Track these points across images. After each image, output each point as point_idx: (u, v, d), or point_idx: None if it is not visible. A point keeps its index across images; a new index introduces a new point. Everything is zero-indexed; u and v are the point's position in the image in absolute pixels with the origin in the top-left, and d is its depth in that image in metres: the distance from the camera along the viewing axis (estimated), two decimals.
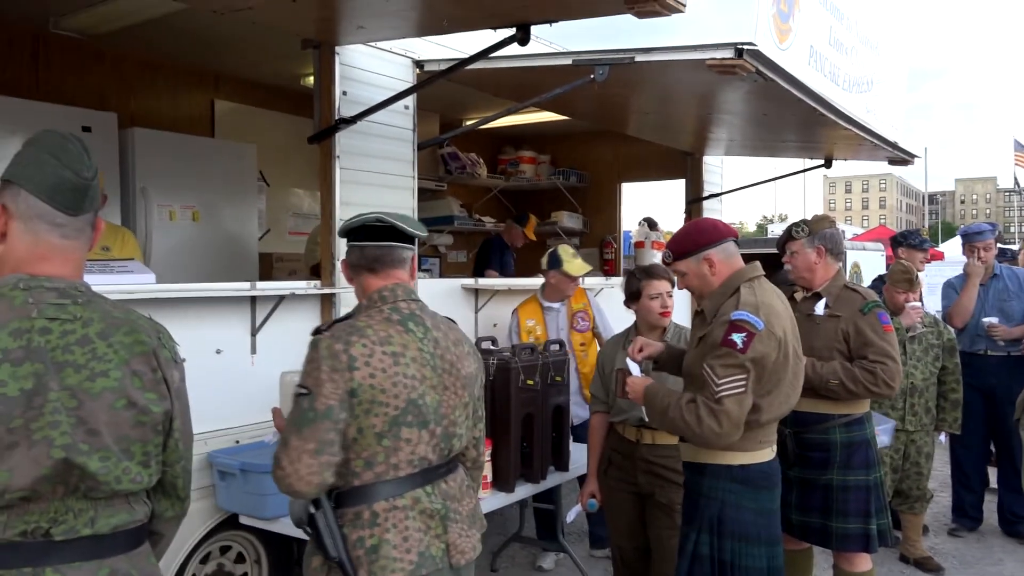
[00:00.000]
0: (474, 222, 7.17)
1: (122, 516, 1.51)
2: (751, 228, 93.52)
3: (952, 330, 4.85)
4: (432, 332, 2.01)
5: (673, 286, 3.24)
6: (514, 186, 7.60)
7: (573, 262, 4.37)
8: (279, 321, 3.55)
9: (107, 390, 1.47)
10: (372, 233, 2.04)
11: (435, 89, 4.63)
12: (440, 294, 4.53)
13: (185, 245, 4.78)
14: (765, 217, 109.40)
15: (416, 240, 2.12)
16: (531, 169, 7.57)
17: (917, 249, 5.19)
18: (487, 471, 3.41)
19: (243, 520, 3.23)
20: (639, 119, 5.75)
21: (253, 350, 3.50)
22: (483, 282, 4.78)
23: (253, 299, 3.49)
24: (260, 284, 3.52)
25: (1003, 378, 4.85)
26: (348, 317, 2.01)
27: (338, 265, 3.71)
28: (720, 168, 7.21)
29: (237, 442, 3.36)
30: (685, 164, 6.91)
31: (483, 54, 3.28)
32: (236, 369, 3.41)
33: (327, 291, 3.70)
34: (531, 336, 4.36)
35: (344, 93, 3.77)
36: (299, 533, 3.01)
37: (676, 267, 2.69)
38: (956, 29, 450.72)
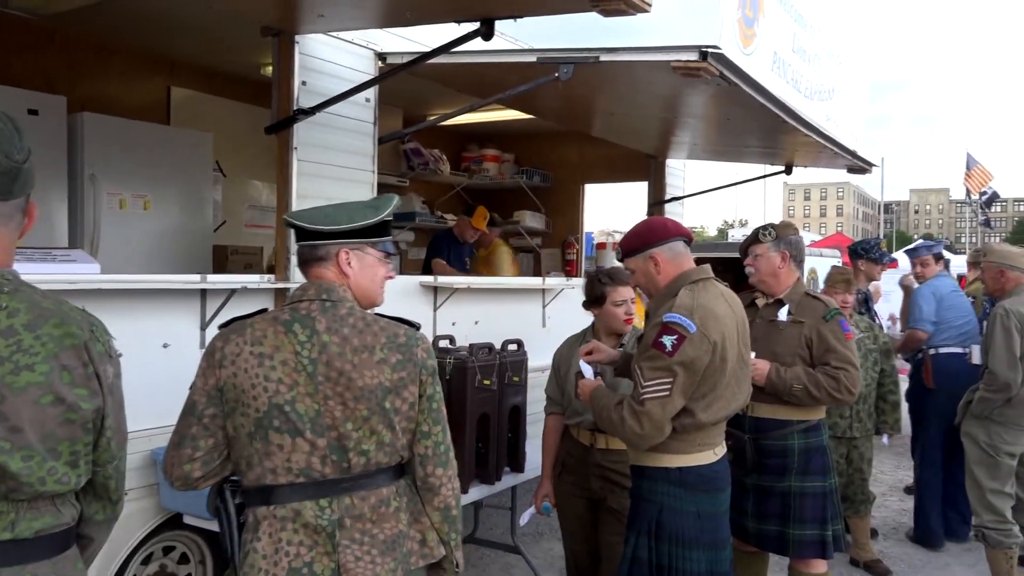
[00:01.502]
0: (436, 219, 7.10)
1: (46, 519, 1.43)
2: (712, 232, 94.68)
3: (887, 334, 4.97)
4: (323, 336, 1.84)
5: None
6: (477, 184, 7.54)
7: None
8: (230, 315, 3.43)
9: (32, 385, 1.39)
10: (298, 232, 1.99)
11: (399, 84, 4.56)
12: (397, 292, 4.44)
13: (136, 235, 4.64)
14: (726, 222, 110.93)
15: (340, 234, 1.94)
16: (495, 167, 7.52)
17: (876, 263, 5.29)
18: None
19: (187, 520, 3.13)
20: (604, 120, 5.74)
21: (202, 345, 3.39)
22: (442, 280, 4.71)
23: (203, 292, 3.38)
24: (211, 277, 3.41)
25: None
26: (252, 314, 1.98)
27: (293, 260, 3.63)
28: (682, 172, 7.25)
29: None
30: (648, 167, 6.92)
31: (446, 48, 3.23)
32: (184, 364, 3.28)
33: (281, 285, 3.61)
34: None
35: (303, 83, 3.68)
36: None
37: (626, 264, 2.67)
38: (915, 45, 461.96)
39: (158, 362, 3.21)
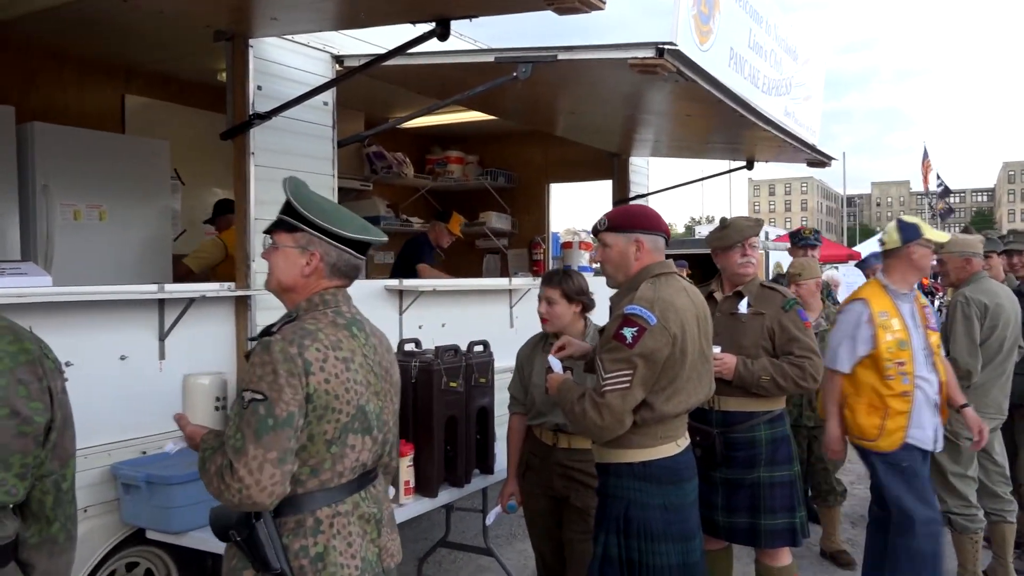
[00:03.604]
0: (401, 222, 7.05)
1: None
2: (680, 229, 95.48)
3: None
4: (371, 338, 1.99)
5: (570, 300, 3.18)
6: (442, 186, 7.52)
7: (932, 230, 3.57)
8: (190, 325, 3.39)
9: None
10: (346, 239, 1.94)
11: (359, 87, 4.52)
12: (362, 295, 4.39)
13: (91, 246, 4.53)
14: (693, 219, 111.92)
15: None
16: (459, 169, 7.50)
17: (798, 248, 5.39)
18: (409, 476, 3.33)
19: (150, 535, 3.06)
20: (566, 120, 5.75)
21: (162, 355, 3.33)
22: (408, 283, 4.68)
23: (161, 302, 3.32)
24: (169, 286, 3.35)
25: None
26: (292, 319, 1.91)
27: (253, 266, 3.58)
28: (646, 169, 7.28)
29: (144, 453, 3.19)
30: (612, 165, 6.95)
31: (402, 49, 3.21)
32: (142, 376, 3.24)
33: (241, 293, 3.55)
34: (887, 332, 3.42)
35: (259, 88, 3.63)
36: (214, 546, 2.89)
37: (604, 237, 2.63)
38: (876, 40, 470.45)
39: (116, 375, 3.14)
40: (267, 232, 1.99)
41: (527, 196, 7.72)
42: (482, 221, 7.54)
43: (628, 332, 2.36)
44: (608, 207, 7.15)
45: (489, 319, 5.30)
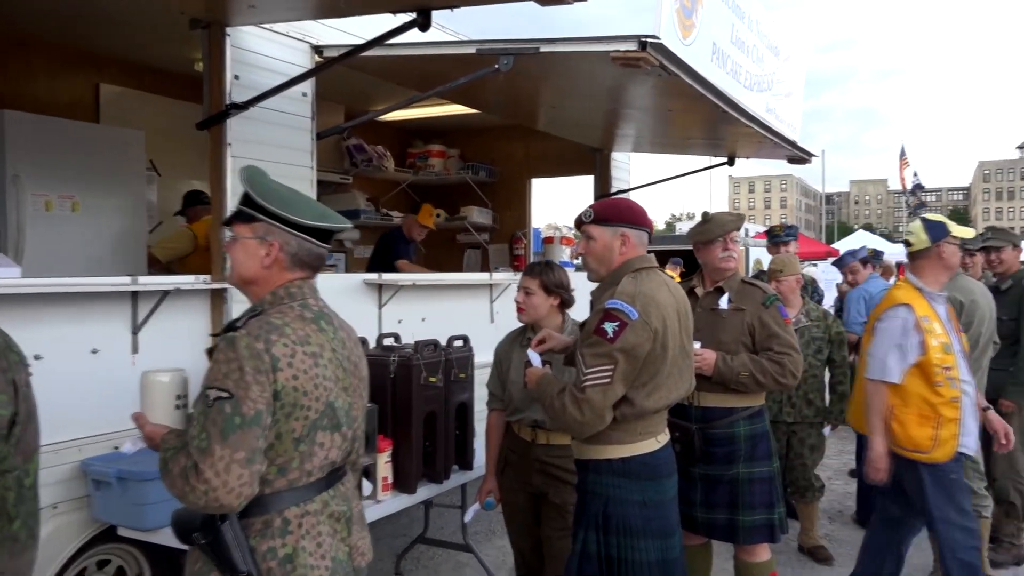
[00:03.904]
0: (381, 216, 6.99)
1: None
2: (660, 226, 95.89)
3: (841, 324, 5.03)
4: (339, 332, 1.94)
5: (548, 292, 3.16)
6: (423, 180, 7.47)
7: (957, 226, 3.46)
8: (164, 319, 3.33)
9: None
10: (315, 229, 1.89)
11: (340, 79, 4.46)
12: (341, 290, 4.37)
13: (64, 238, 4.44)
14: (674, 215, 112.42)
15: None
16: (440, 163, 7.45)
17: (775, 245, 5.41)
18: (388, 472, 3.29)
19: (121, 532, 3.01)
20: (548, 114, 5.72)
21: (135, 349, 3.27)
22: (387, 277, 4.63)
23: (134, 295, 3.26)
24: (142, 279, 3.29)
25: None
26: (257, 313, 1.84)
27: (229, 259, 3.51)
28: (628, 164, 7.27)
29: (116, 448, 3.13)
30: (594, 160, 6.93)
31: (382, 39, 3.16)
32: (115, 370, 3.17)
33: (217, 286, 3.50)
34: (932, 337, 3.25)
35: (236, 77, 3.57)
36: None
37: (589, 230, 2.59)
38: (855, 40, 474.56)
39: (87, 369, 3.07)
40: (226, 224, 1.94)
41: (508, 191, 7.69)
42: (463, 215, 7.50)
43: (609, 327, 2.34)
44: (590, 202, 7.14)
45: (469, 314, 5.26)
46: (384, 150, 6.89)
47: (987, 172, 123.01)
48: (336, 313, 2.00)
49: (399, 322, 4.67)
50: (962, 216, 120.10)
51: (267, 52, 3.74)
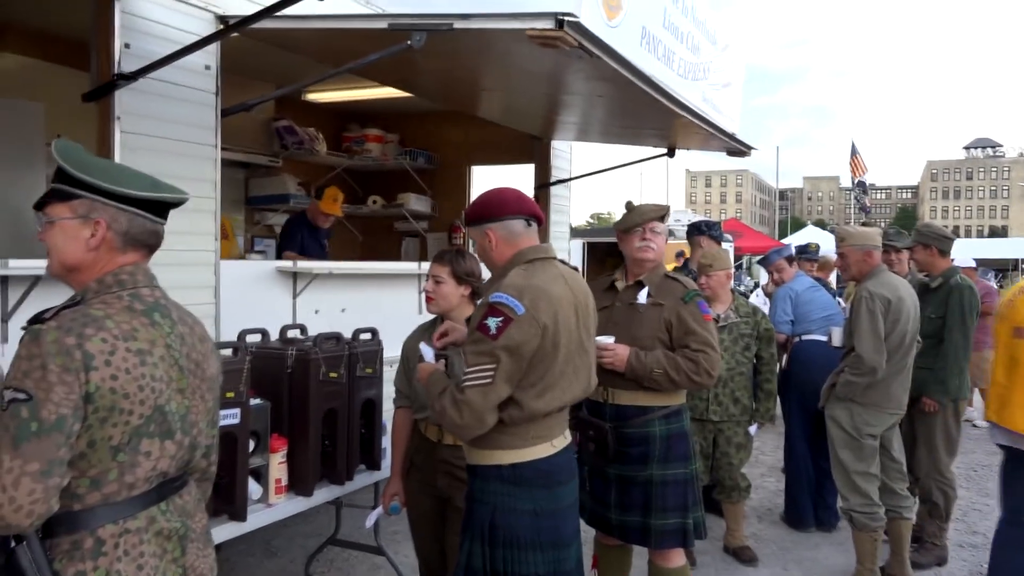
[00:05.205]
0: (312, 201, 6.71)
1: None
2: (618, 218, 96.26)
3: (770, 321, 4.94)
4: (178, 326, 1.71)
5: (459, 281, 2.99)
6: (359, 165, 7.22)
7: None
8: (38, 305, 3.04)
9: None
10: (147, 202, 1.67)
11: (268, 57, 4.19)
12: (251, 278, 4.13)
13: None
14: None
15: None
16: (378, 148, 7.21)
17: (716, 240, 5.29)
18: (281, 474, 3.08)
19: None
20: (484, 100, 5.52)
21: (4, 339, 3.00)
22: (302, 265, 4.40)
23: (3, 279, 2.98)
24: (13, 262, 3.01)
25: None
26: (76, 303, 1.61)
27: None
28: (568, 154, 7.11)
29: None
30: (533, 148, 6.75)
31: (279, 6, 2.92)
32: None
33: None
34: None
35: (127, 46, 3.30)
36: None
37: (469, 233, 2.46)
38: (811, 39, 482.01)
39: None
40: (37, 208, 1.67)
41: (448, 178, 7.48)
42: (400, 203, 7.28)
43: (492, 322, 2.14)
44: (530, 192, 6.98)
45: (396, 304, 5.05)
46: (316, 132, 6.60)
47: (935, 171, 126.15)
48: (179, 304, 1.77)
49: (316, 312, 4.44)
50: (910, 214, 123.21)
51: (164, 20, 3.47)
